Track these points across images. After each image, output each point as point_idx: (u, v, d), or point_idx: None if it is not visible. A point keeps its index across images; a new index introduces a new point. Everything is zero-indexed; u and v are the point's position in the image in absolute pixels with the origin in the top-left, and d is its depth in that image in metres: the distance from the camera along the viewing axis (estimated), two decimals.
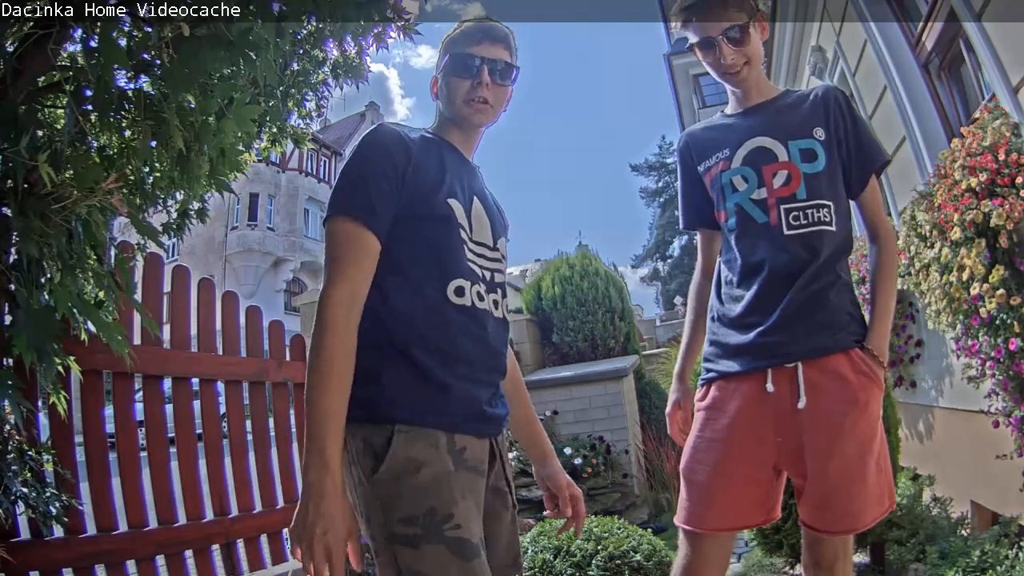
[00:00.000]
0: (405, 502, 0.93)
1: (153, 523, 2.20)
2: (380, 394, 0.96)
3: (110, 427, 2.11)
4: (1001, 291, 1.94)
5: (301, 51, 2.41)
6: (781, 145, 1.27)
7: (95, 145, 1.74)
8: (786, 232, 1.23)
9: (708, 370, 1.33)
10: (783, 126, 1.28)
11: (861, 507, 1.18)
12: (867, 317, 1.30)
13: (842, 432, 1.17)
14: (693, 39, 1.31)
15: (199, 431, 2.43)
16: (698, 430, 1.32)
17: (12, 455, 1.59)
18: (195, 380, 2.46)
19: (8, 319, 1.50)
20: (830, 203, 1.25)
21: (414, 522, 0.92)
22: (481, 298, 1.07)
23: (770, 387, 1.21)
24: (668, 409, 1.48)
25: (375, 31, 2.24)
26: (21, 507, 1.59)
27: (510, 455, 3.83)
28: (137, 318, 2.01)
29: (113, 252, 1.84)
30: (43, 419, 1.99)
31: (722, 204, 1.32)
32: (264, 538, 2.56)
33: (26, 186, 1.36)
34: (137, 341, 2.20)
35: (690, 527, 1.27)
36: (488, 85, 1.10)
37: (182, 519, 2.27)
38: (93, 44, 1.40)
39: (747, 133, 1.31)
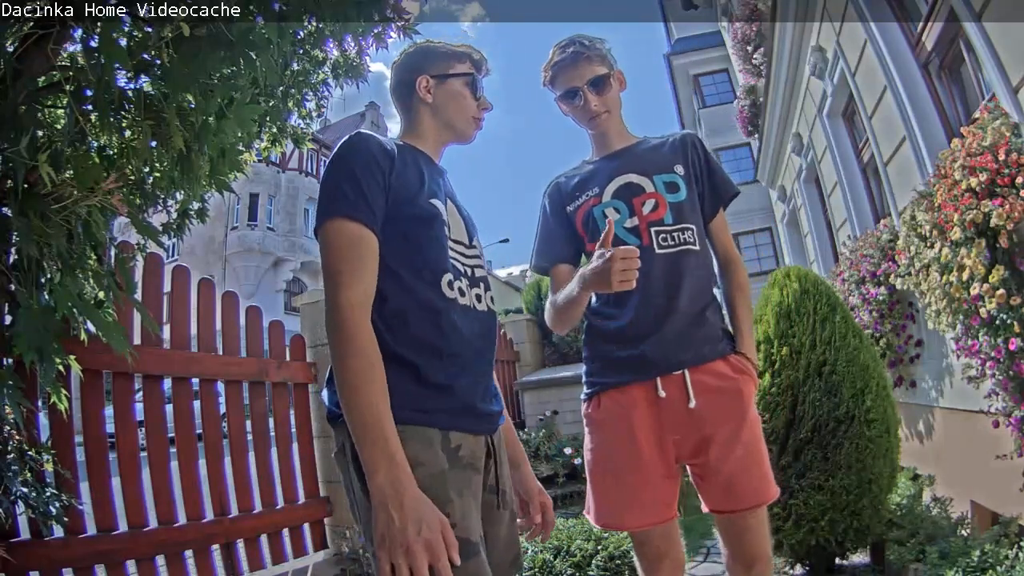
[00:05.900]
0: None
1: (153, 523, 2.20)
2: None
3: (110, 427, 2.12)
4: (1001, 291, 1.94)
5: (301, 51, 2.41)
6: (647, 179, 1.42)
7: (95, 145, 1.74)
8: (657, 251, 1.38)
9: (595, 383, 1.43)
10: (647, 163, 1.45)
11: (759, 484, 1.34)
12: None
13: (736, 422, 1.33)
14: (560, 91, 1.46)
15: (199, 431, 2.43)
16: (596, 436, 1.41)
17: (12, 455, 1.59)
18: (195, 380, 2.47)
19: (8, 319, 1.50)
20: (692, 226, 1.42)
21: None
22: (463, 293, 1.10)
23: (662, 392, 1.34)
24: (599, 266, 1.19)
25: (375, 31, 2.25)
26: (21, 507, 1.60)
27: None
28: (137, 318, 2.01)
29: (113, 252, 1.84)
30: (43, 419, 1.99)
31: (596, 236, 1.37)
32: (264, 538, 2.56)
33: (26, 186, 1.36)
34: (137, 341, 2.20)
35: (612, 527, 1.44)
36: (486, 110, 1.26)
37: (182, 519, 2.28)
38: (93, 44, 1.40)
39: (614, 172, 1.45)
